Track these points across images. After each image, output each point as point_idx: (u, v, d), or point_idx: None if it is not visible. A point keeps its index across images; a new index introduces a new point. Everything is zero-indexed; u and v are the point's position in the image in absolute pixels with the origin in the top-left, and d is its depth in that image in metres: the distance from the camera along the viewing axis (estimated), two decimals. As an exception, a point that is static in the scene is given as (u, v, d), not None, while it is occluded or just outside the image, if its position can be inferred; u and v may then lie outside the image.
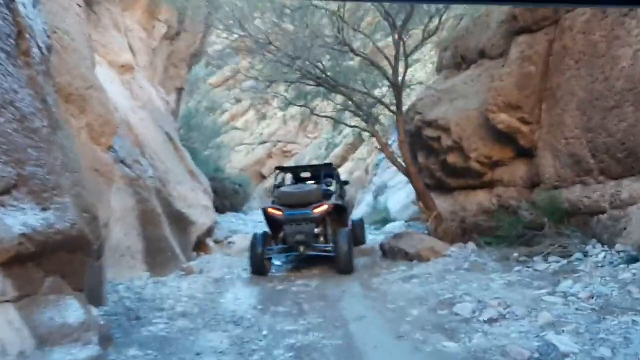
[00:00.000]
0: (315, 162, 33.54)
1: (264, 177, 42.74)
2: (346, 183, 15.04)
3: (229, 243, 15.56)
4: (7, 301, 4.02)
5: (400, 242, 11.73)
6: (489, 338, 5.77)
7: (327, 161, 34.11)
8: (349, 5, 12.38)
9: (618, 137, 8.62)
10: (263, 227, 21.75)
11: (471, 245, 11.06)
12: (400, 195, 22.08)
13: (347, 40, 12.15)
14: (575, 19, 9.84)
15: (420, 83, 15.65)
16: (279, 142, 44.78)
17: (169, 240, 11.58)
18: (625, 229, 8.34)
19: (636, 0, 3.07)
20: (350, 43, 12.41)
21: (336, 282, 10.34)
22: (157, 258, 10.98)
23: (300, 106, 15.17)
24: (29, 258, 4.30)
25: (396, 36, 12.31)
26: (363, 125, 14.59)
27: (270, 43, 12.63)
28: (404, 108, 14.89)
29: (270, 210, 11.34)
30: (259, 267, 11.12)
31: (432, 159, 13.69)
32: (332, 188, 12.62)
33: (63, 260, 5.03)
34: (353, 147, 35.93)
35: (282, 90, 15.17)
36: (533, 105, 10.68)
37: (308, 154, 40.85)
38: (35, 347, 4.13)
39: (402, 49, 12.38)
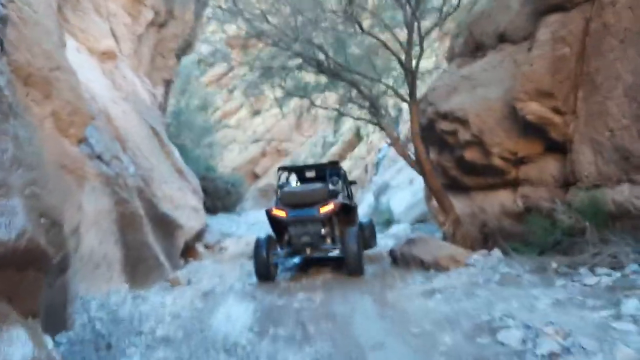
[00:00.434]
0: (313, 161, 32.74)
1: (257, 177, 41.60)
2: (353, 183, 14.01)
3: (221, 248, 14.21)
4: None
5: (414, 249, 10.40)
6: (558, 383, 4.44)
7: (324, 160, 33.22)
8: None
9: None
10: (257, 230, 20.64)
11: (496, 253, 9.70)
12: (403, 195, 20.81)
13: (355, 15, 10.71)
14: (618, -7, 8.53)
15: (438, 68, 14.19)
16: (273, 140, 43.52)
17: (152, 246, 10.21)
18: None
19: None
20: (359, 19, 10.97)
21: (343, 295, 9.00)
22: (138, 267, 9.62)
23: (300, 96, 13.78)
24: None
25: (408, 13, 10.90)
26: (368, 118, 13.17)
27: (267, 21, 11.23)
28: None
29: (273, 211, 10.70)
30: (265, 273, 10.49)
31: (445, 155, 12.35)
32: (338, 187, 11.77)
33: (8, 279, 3.91)
34: (351, 145, 34.78)
35: (279, 80, 13.67)
36: (567, 92, 9.36)
37: (303, 152, 39.73)
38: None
39: (416, 28, 10.99)
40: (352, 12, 10.58)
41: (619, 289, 6.74)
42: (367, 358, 5.70)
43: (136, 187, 10.39)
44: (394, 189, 22.50)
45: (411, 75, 11.21)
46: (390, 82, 12.93)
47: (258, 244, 10.60)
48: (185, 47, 19.84)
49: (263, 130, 44.53)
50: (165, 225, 11.38)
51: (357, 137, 34.72)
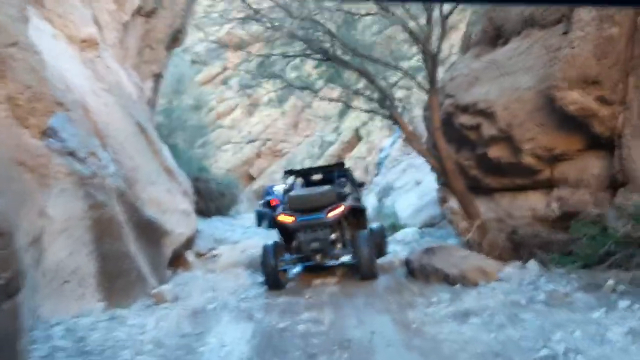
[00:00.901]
0: (310, 162, 31.71)
1: (252, 178, 40.32)
2: (361, 185, 13.02)
3: (214, 256, 12.86)
4: None
5: (435, 259, 9.10)
6: None
7: (322, 160, 32.01)
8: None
9: None
10: (253, 234, 19.34)
11: (533, 265, 8.38)
12: (409, 197, 19.52)
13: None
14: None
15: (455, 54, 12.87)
16: (269, 140, 42.19)
17: (134, 257, 8.88)
18: None
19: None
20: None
21: (356, 314, 7.72)
22: (117, 282, 8.29)
23: (301, 88, 12.46)
24: None
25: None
26: (379, 110, 11.83)
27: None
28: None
29: (281, 217, 10.34)
30: (274, 281, 10.01)
31: (465, 153, 11.03)
32: (347, 189, 11.33)
33: None
34: (350, 145, 33.56)
35: (279, 70, 12.36)
36: (616, 79, 8.08)
37: (300, 153, 38.49)
38: None
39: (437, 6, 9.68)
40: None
41: None
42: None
43: (116, 188, 9.06)
44: (398, 191, 21.20)
45: (431, 60, 9.88)
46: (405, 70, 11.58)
47: (266, 251, 10.09)
48: (176, 40, 18.50)
49: (258, 130, 43.21)
50: (150, 232, 10.05)
51: (357, 136, 33.43)
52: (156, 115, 24.68)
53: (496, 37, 11.76)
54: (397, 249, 14.09)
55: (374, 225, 11.99)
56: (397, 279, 9.95)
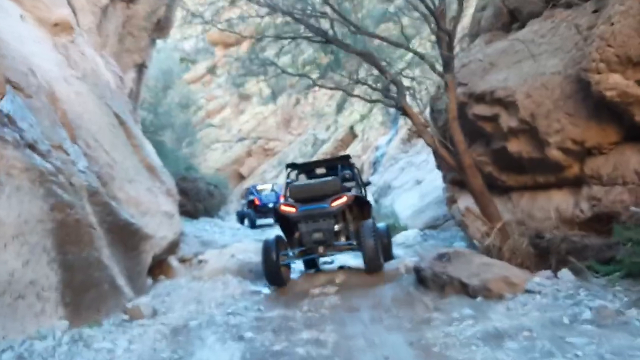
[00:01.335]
0: (303, 161, 30.61)
1: (242, 178, 39.21)
2: (367, 184, 12.51)
3: (200, 261, 11.70)
4: None
5: (451, 267, 7.97)
6: None
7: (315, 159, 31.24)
8: None
9: None
10: (243, 236, 18.18)
11: (566, 275, 7.25)
12: (409, 197, 18.42)
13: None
14: None
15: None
16: (259, 138, 41.06)
17: (106, 265, 7.73)
18: None
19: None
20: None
21: (363, 333, 6.63)
22: (85, 296, 7.15)
23: (298, 75, 11.31)
24: None
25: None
26: (385, 100, 10.67)
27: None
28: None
29: (282, 207, 10.12)
30: (276, 278, 9.74)
31: (478, 148, 9.92)
32: (351, 183, 11.13)
33: None
34: (344, 144, 32.50)
35: (272, 56, 11.21)
36: (663, 59, 7.00)
37: (292, 151, 37.39)
38: None
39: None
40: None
41: None
42: None
43: (87, 186, 7.91)
44: (397, 191, 20.08)
45: (447, 40, 8.73)
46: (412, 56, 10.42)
47: (266, 246, 9.78)
48: (161, 29, 17.33)
49: (249, 128, 42.16)
50: (127, 236, 8.90)
51: (352, 134, 32.35)
52: (142, 111, 23.75)
53: (510, 21, 10.73)
54: (399, 252, 13.08)
55: (379, 224, 11.19)
56: (406, 288, 8.83)
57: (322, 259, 11.59)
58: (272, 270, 9.68)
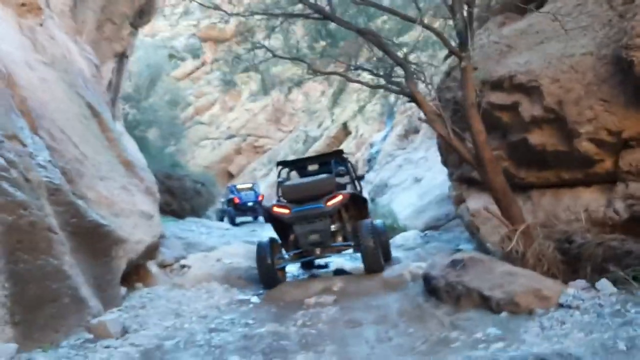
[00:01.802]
0: (295, 158, 29.86)
1: (232, 176, 38.09)
2: (361, 178, 11.86)
3: (182, 267, 10.61)
4: None
5: (467, 276, 6.93)
6: None
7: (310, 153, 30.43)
8: None
9: None
10: (231, 238, 17.08)
11: (606, 286, 6.18)
12: (408, 196, 17.40)
13: None
14: None
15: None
16: (249, 136, 39.94)
17: (68, 275, 6.61)
18: None
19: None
20: None
21: (370, 354, 5.63)
22: (39, 313, 6.05)
23: (291, 59, 10.21)
24: None
25: None
26: (388, 86, 9.57)
27: None
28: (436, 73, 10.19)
29: (275, 209, 9.62)
30: (272, 282, 9.33)
31: (493, 141, 8.77)
32: (346, 179, 10.76)
33: None
34: (337, 140, 31.40)
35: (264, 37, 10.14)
36: None
37: (282, 149, 36.34)
38: None
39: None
40: None
41: None
42: None
43: (47, 183, 6.83)
44: (395, 189, 19.03)
45: (464, 14, 7.63)
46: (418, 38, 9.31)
47: (261, 249, 9.40)
48: (143, 16, 16.18)
49: (238, 125, 40.99)
50: (96, 240, 7.79)
51: (345, 131, 31.30)
52: (125, 105, 22.68)
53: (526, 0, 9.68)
54: (399, 255, 12.11)
55: (376, 221, 10.58)
56: (413, 299, 7.78)
57: (316, 262, 11.20)
58: (267, 274, 9.31)
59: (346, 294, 8.63)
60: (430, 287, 7.52)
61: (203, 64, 51.08)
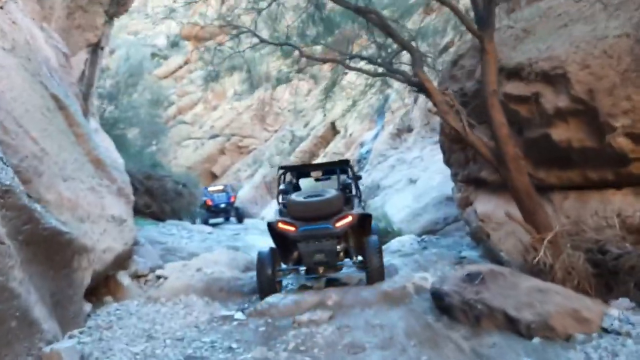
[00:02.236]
0: (280, 159, 29.15)
1: (215, 177, 36.94)
2: (359, 178, 11.02)
3: (158, 278, 9.54)
4: None
5: (488, 293, 5.94)
6: None
7: (292, 157, 29.83)
8: None
9: None
10: (215, 243, 16.01)
11: (658, 306, 5.28)
12: (402, 198, 16.40)
13: None
14: None
15: None
16: (233, 135, 38.77)
17: (17, 293, 5.51)
18: None
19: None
20: None
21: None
22: (-25, 340, 4.96)
23: (279, 44, 9.17)
24: None
25: None
26: (391, 74, 8.53)
27: None
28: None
29: (280, 225, 9.12)
30: (269, 293, 8.69)
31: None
32: (352, 193, 10.13)
33: None
34: (324, 140, 30.33)
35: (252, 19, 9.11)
36: None
37: (268, 149, 35.19)
38: None
39: None
40: None
41: None
42: None
43: (-6, 184, 5.73)
44: (388, 190, 18.02)
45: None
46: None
47: (261, 259, 8.98)
48: (118, 5, 15.05)
49: (222, 124, 39.77)
50: (55, 250, 6.71)
51: (333, 130, 30.22)
52: (104, 103, 21.61)
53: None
54: (395, 262, 11.14)
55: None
56: (421, 317, 6.79)
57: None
58: (265, 286, 8.81)
59: (343, 309, 7.68)
60: (442, 304, 6.54)
61: (186, 62, 50.39)
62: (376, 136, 24.99)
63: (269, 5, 8.44)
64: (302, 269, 9.58)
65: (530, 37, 7.57)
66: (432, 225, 14.26)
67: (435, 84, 7.97)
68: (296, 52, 10.77)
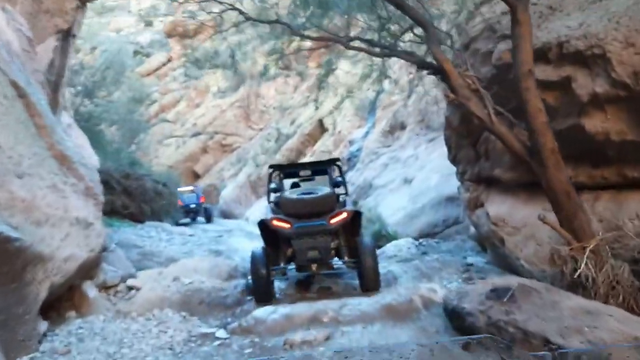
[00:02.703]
0: (265, 157, 28.87)
1: (198, 176, 35.89)
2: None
3: (129, 289, 8.46)
4: None
5: (522, 313, 4.93)
6: None
7: (279, 155, 29.76)
8: None
9: None
10: (195, 247, 14.93)
11: None
12: (397, 199, 15.44)
13: None
14: None
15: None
16: (216, 133, 37.68)
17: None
18: None
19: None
20: None
21: None
22: None
23: (269, 22, 8.11)
24: None
25: None
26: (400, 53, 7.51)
27: None
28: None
29: (274, 222, 9.00)
30: (265, 296, 8.58)
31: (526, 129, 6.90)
32: (342, 190, 10.12)
33: None
34: (312, 138, 29.34)
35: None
36: None
37: (252, 147, 34.12)
38: None
39: None
40: None
41: None
42: None
43: None
44: (381, 190, 16.99)
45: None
46: None
47: (256, 259, 8.78)
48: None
49: (205, 122, 38.65)
50: (2, 259, 5.64)
51: (321, 128, 29.20)
52: (82, 98, 20.61)
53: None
54: (393, 269, 10.23)
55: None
56: (435, 338, 5.79)
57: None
58: (261, 286, 8.61)
59: (341, 327, 6.76)
60: (462, 325, 5.53)
61: (169, 60, 49.58)
62: (367, 134, 24.08)
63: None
64: (292, 267, 9.42)
65: (557, 14, 6.60)
66: (431, 228, 13.30)
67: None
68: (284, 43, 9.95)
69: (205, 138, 37.61)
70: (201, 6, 9.65)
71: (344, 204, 9.58)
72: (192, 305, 8.00)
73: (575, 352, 3.99)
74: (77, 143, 13.73)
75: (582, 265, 5.26)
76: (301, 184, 10.73)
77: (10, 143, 7.02)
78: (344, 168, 22.34)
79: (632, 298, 5.28)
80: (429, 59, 6.76)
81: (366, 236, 9.84)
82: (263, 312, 7.37)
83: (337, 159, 11.26)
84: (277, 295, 9.00)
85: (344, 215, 8.90)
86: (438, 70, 6.41)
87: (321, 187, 9.65)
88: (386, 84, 14.05)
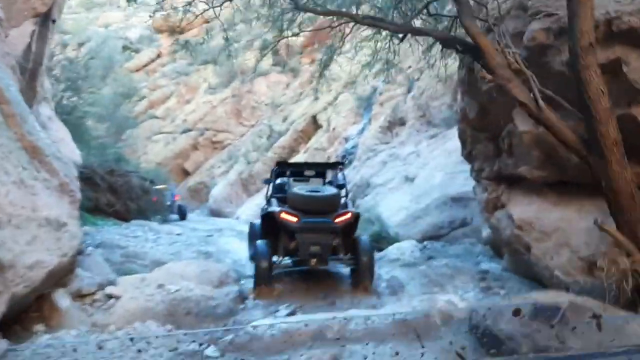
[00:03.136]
0: (257, 155, 29.47)
1: (187, 173, 35.12)
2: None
3: (108, 297, 7.55)
4: None
5: (577, 339, 4.06)
6: None
7: (270, 153, 29.22)
8: None
9: None
10: (183, 248, 14.03)
11: None
12: (398, 198, 14.66)
13: None
14: None
15: None
16: (207, 130, 36.92)
17: None
18: None
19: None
20: None
21: None
22: None
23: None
24: None
25: None
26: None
27: None
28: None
29: (283, 215, 9.29)
30: (266, 285, 8.92)
31: (568, 119, 6.01)
32: (343, 192, 10.50)
33: None
34: (305, 135, 28.60)
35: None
36: None
37: (244, 144, 33.39)
38: None
39: None
40: None
41: None
42: None
43: None
44: (380, 189, 16.17)
45: None
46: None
47: (258, 250, 9.30)
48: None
49: (195, 119, 37.93)
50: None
51: (315, 124, 28.48)
52: (60, 87, 19.78)
53: None
54: (397, 274, 9.55)
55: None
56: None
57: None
58: (263, 277, 8.97)
59: (349, 345, 5.89)
60: (499, 350, 4.65)
61: (158, 56, 48.99)
62: (362, 130, 23.37)
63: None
64: (288, 261, 9.73)
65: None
66: (436, 230, 12.50)
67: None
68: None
69: (195, 135, 36.95)
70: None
71: (345, 205, 9.96)
72: (178, 317, 7.16)
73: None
74: (58, 136, 12.88)
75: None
76: (300, 183, 10.85)
77: (-31, 132, 6.12)
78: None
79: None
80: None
81: (363, 235, 10.04)
82: (259, 326, 6.52)
83: (341, 163, 12.27)
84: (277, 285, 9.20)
85: (349, 215, 9.41)
86: (470, 48, 5.56)
87: (328, 187, 10.25)
88: (391, 75, 13.31)
